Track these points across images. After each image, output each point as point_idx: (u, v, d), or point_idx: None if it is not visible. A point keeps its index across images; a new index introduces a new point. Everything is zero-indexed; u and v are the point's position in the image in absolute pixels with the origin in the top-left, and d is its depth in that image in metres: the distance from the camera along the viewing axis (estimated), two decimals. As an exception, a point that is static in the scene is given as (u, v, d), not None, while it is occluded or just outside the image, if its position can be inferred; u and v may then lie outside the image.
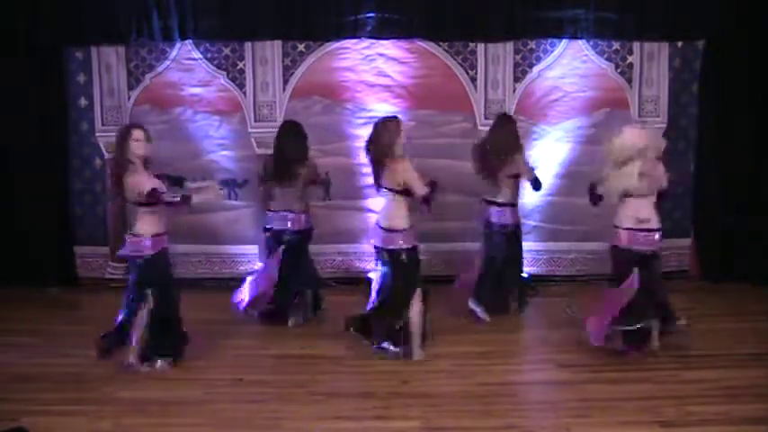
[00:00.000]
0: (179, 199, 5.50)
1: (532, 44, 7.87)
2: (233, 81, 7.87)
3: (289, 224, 6.64)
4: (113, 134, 7.59)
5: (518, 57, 7.88)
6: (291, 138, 6.56)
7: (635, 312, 5.65)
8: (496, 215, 6.78)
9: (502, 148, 6.60)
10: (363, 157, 7.67)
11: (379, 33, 7.72)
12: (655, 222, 5.75)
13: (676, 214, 7.91)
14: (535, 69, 7.89)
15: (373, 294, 5.94)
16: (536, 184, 6.74)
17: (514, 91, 7.88)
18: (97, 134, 7.91)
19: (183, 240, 7.83)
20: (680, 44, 7.87)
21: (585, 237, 7.95)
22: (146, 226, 5.55)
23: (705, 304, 6.90)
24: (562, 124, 7.93)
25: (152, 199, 5.42)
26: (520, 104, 7.83)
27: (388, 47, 7.86)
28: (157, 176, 5.57)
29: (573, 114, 7.94)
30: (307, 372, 5.62)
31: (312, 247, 6.95)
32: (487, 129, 7.29)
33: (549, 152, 7.87)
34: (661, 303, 5.82)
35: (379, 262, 5.90)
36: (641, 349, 5.74)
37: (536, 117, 7.88)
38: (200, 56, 7.83)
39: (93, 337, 5.57)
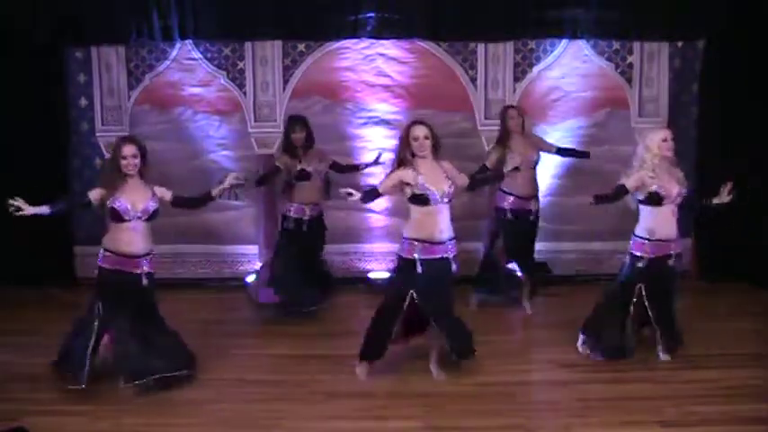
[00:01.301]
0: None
1: (532, 44, 7.88)
2: (233, 81, 7.87)
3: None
4: (113, 134, 7.69)
5: (518, 57, 7.88)
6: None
7: None
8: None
9: None
10: (364, 157, 7.74)
11: (379, 33, 7.72)
12: None
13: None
14: (535, 69, 7.89)
15: None
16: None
17: (515, 91, 7.88)
18: (97, 134, 7.91)
19: (184, 240, 7.86)
20: (680, 44, 7.87)
21: (586, 237, 7.96)
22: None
23: (705, 304, 6.88)
24: (562, 124, 7.94)
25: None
26: (520, 104, 7.81)
27: (388, 47, 7.86)
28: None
29: (573, 114, 7.95)
30: (307, 372, 5.61)
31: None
32: (487, 128, 7.32)
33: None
34: None
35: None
36: None
37: (536, 117, 7.87)
38: (200, 56, 7.83)
39: None
